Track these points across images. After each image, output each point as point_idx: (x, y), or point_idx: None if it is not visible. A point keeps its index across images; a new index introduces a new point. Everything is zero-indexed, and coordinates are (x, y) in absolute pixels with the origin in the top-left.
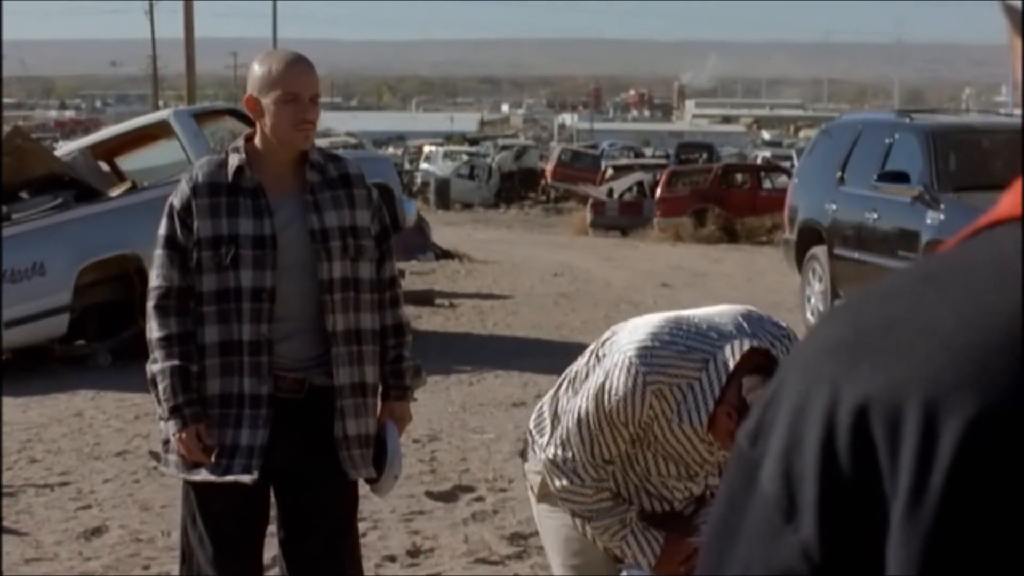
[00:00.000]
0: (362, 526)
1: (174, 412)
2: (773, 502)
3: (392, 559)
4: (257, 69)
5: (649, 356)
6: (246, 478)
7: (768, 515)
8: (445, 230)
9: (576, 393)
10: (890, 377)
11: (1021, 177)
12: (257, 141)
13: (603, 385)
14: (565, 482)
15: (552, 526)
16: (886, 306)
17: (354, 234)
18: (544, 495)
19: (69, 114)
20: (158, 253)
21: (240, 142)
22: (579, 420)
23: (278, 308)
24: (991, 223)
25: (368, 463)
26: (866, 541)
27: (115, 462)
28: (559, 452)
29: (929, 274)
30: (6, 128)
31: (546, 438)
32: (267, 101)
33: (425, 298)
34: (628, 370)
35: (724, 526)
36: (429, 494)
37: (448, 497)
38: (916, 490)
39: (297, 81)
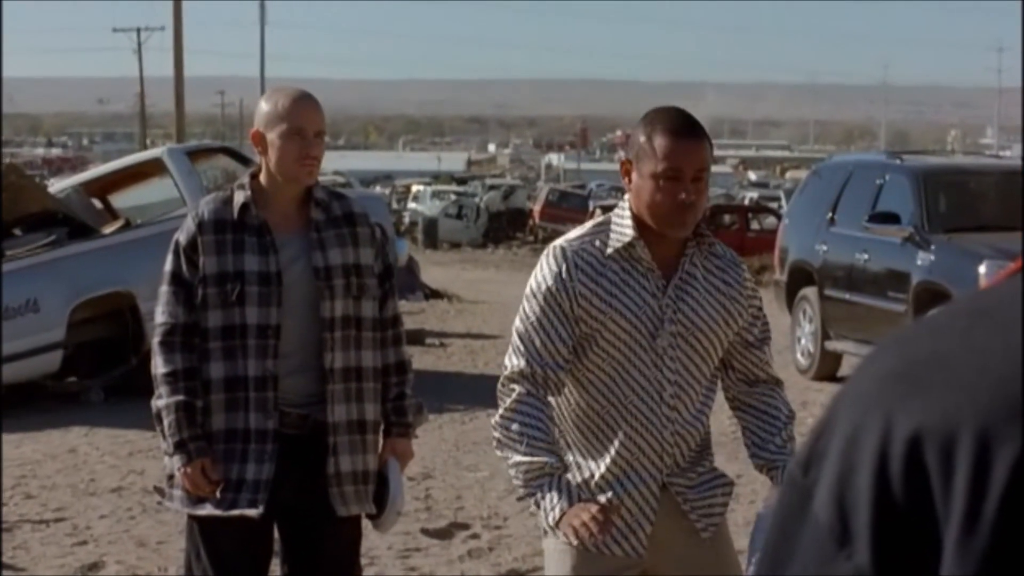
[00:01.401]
0: None
1: (179, 447)
2: (826, 529)
3: None
4: (264, 105)
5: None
6: (252, 512)
7: (821, 542)
8: (434, 270)
9: None
10: (943, 408)
11: None
12: (262, 178)
13: (533, 279)
14: (512, 395)
15: (558, 565)
16: (937, 339)
17: (357, 272)
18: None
19: (56, 151)
20: (164, 289)
21: (245, 179)
22: (522, 321)
23: (283, 344)
24: None
25: (363, 499)
26: (919, 567)
27: (110, 498)
28: (508, 363)
29: (978, 308)
30: None
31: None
32: (272, 136)
33: (416, 338)
34: (547, 253)
35: (777, 553)
36: (425, 531)
37: (444, 534)
38: (970, 516)
39: (302, 116)
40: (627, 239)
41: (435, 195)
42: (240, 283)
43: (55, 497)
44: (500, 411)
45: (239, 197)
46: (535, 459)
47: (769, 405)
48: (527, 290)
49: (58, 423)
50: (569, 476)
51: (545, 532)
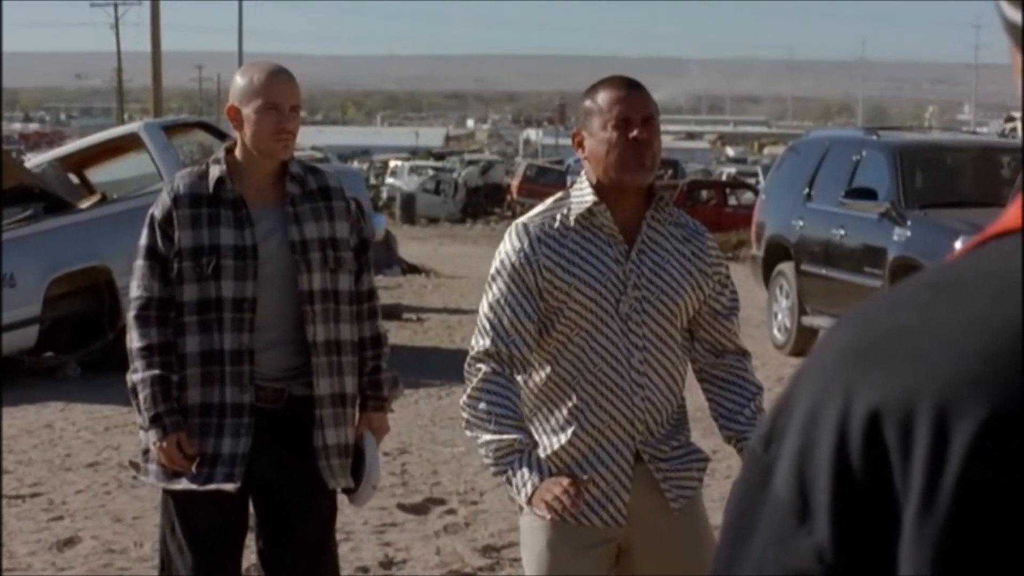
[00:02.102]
0: None
1: (155, 421)
2: (787, 505)
3: (365, 570)
4: (239, 80)
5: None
6: (229, 486)
7: (782, 518)
8: (411, 245)
9: None
10: (902, 383)
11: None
12: (238, 152)
13: (496, 259)
14: (478, 375)
15: (534, 540)
16: (897, 314)
17: (333, 246)
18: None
19: (34, 126)
20: (139, 264)
21: (221, 153)
22: (487, 301)
23: (259, 318)
24: (997, 234)
25: (346, 473)
26: (879, 543)
27: (86, 473)
28: (474, 343)
29: (939, 283)
30: None
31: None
32: (247, 111)
33: (393, 312)
34: (509, 232)
35: (737, 529)
36: (401, 506)
37: (420, 509)
38: (928, 492)
39: (277, 91)
40: (587, 204)
41: (413, 170)
42: (216, 257)
43: (31, 472)
44: (467, 391)
45: (214, 171)
46: (504, 437)
47: (737, 376)
48: (491, 271)
49: (34, 398)
50: (539, 452)
51: (521, 508)
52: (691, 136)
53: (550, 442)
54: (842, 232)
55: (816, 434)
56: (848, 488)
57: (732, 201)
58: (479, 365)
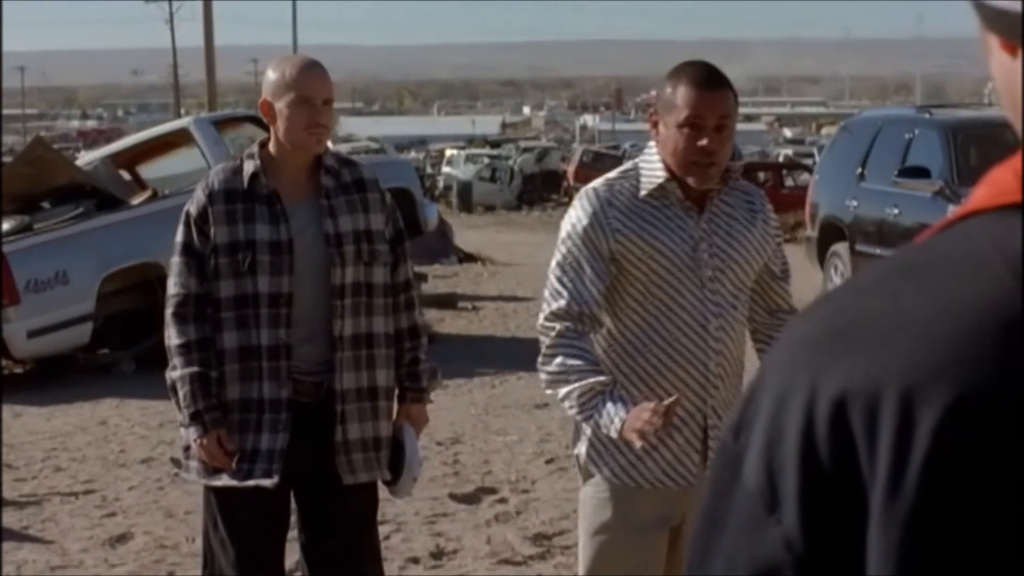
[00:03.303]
0: (385, 528)
1: (194, 418)
2: (756, 494)
3: (415, 561)
4: (271, 74)
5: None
6: (267, 482)
7: (751, 507)
8: (468, 233)
9: None
10: (868, 368)
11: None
12: (271, 147)
13: (566, 222)
14: (552, 332)
15: (593, 516)
16: (863, 299)
17: (368, 238)
18: (587, 476)
19: (91, 124)
20: (175, 260)
21: (255, 148)
22: (556, 263)
23: (295, 313)
24: (965, 215)
25: (373, 466)
26: (847, 530)
27: (140, 469)
28: (545, 306)
29: (905, 267)
30: (28, 139)
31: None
32: (280, 105)
33: (448, 301)
34: (578, 196)
35: (710, 519)
36: (452, 496)
37: (471, 499)
38: (894, 478)
39: (310, 84)
40: (659, 180)
41: (469, 159)
42: (251, 252)
43: (85, 469)
44: (543, 351)
45: (248, 166)
46: (585, 382)
47: None
48: (561, 234)
49: (89, 395)
50: (621, 391)
51: (585, 478)
52: (748, 118)
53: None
54: (896, 211)
55: (784, 422)
56: (815, 476)
57: (788, 182)
58: (553, 324)
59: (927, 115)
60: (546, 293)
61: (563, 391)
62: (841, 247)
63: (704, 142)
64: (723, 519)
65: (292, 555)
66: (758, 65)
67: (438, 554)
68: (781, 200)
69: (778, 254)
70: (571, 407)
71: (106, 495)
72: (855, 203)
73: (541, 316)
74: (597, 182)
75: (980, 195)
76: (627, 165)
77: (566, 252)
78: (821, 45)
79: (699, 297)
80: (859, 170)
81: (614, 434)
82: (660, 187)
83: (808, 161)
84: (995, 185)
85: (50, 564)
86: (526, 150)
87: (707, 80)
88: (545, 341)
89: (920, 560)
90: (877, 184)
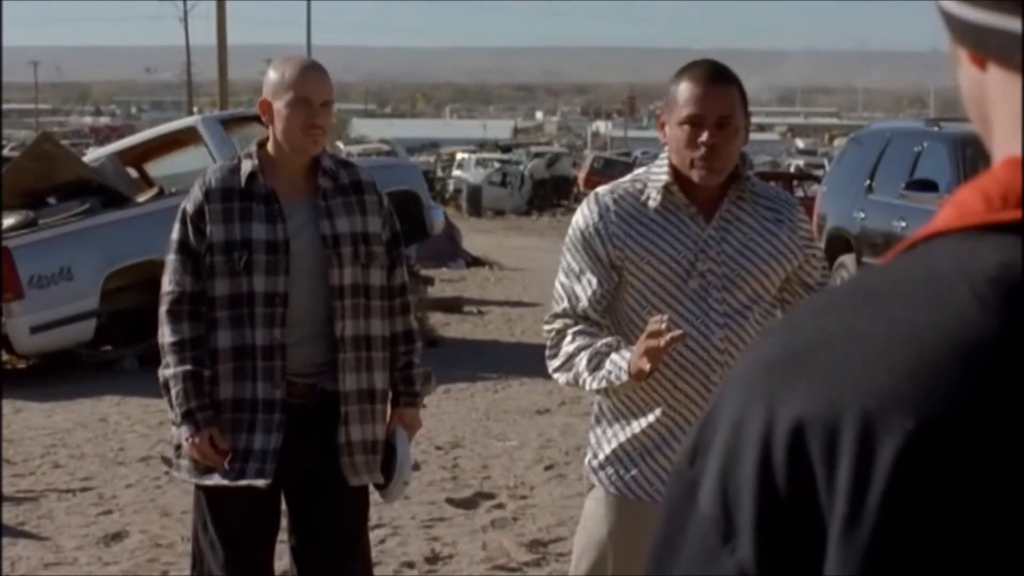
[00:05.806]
0: (381, 532)
1: (187, 417)
2: (711, 523)
3: (410, 565)
4: (271, 74)
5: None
6: (260, 482)
7: (706, 536)
8: (476, 237)
9: None
10: (826, 394)
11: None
12: (269, 147)
13: (570, 228)
14: (555, 329)
15: (593, 525)
16: (822, 321)
17: (365, 240)
18: (591, 487)
19: (104, 120)
20: (171, 258)
21: (253, 148)
22: (561, 268)
23: (290, 313)
24: (927, 236)
25: (372, 469)
26: (804, 562)
27: (138, 467)
28: (554, 306)
29: (865, 289)
30: (36, 134)
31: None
32: (279, 105)
33: (453, 305)
34: (584, 201)
35: (664, 546)
36: (450, 501)
37: (468, 504)
38: (853, 508)
39: (308, 85)
40: (663, 182)
41: (479, 163)
42: (247, 251)
43: (83, 466)
44: (548, 347)
45: (246, 166)
46: (591, 349)
47: None
48: (565, 240)
49: (91, 392)
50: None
51: (589, 488)
52: (760, 128)
53: (628, 424)
54: (903, 224)
55: (740, 448)
56: (772, 504)
57: (799, 192)
58: (556, 322)
59: (936, 128)
60: (552, 296)
61: (573, 372)
62: (847, 259)
63: (704, 137)
64: (677, 547)
65: (281, 558)
66: (774, 75)
67: (433, 559)
68: None
69: (812, 264)
70: (585, 380)
71: (103, 493)
72: (862, 215)
73: (545, 320)
74: (604, 187)
75: (944, 216)
76: (639, 170)
77: (569, 258)
78: (836, 56)
79: (702, 307)
80: (867, 182)
81: (624, 377)
82: (664, 191)
83: (819, 172)
84: (960, 206)
85: (44, 561)
86: (537, 155)
87: (709, 77)
88: (549, 338)
89: None
90: (885, 196)
